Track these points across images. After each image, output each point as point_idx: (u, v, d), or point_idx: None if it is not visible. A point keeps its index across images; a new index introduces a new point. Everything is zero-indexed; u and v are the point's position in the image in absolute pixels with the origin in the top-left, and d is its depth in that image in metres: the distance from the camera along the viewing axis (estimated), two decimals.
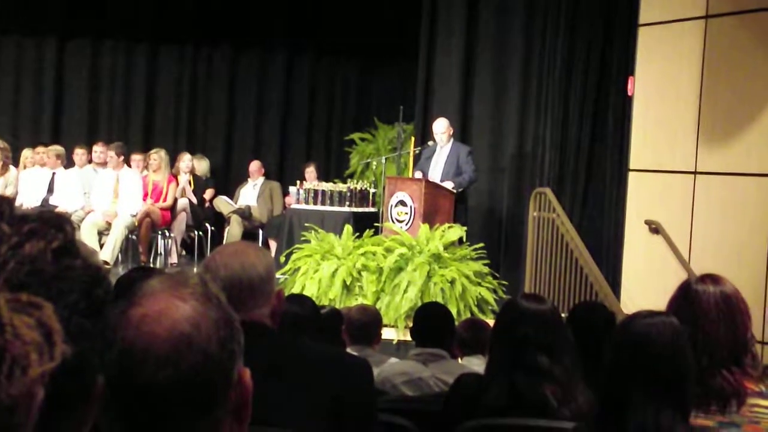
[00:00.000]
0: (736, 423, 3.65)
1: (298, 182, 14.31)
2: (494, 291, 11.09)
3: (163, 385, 1.56)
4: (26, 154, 15.02)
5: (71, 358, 1.41)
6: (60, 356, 1.37)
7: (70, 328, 1.57)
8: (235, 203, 15.75)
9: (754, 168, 10.02)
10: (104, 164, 14.34)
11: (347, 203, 13.36)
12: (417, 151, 13.12)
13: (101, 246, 13.18)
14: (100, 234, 13.49)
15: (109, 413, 1.61)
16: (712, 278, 3.84)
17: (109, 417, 1.61)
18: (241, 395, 1.66)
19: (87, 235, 12.96)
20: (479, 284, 11.01)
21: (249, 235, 15.15)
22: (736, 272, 8.06)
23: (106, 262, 12.58)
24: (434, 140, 12.48)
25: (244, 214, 15.31)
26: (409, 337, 7.38)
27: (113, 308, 1.63)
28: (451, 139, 12.41)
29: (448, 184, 11.94)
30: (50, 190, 14.28)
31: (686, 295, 3.82)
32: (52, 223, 1.68)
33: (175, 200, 14.35)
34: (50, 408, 1.38)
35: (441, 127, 12.37)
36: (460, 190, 12.04)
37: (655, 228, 11.04)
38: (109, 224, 13.39)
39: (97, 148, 14.73)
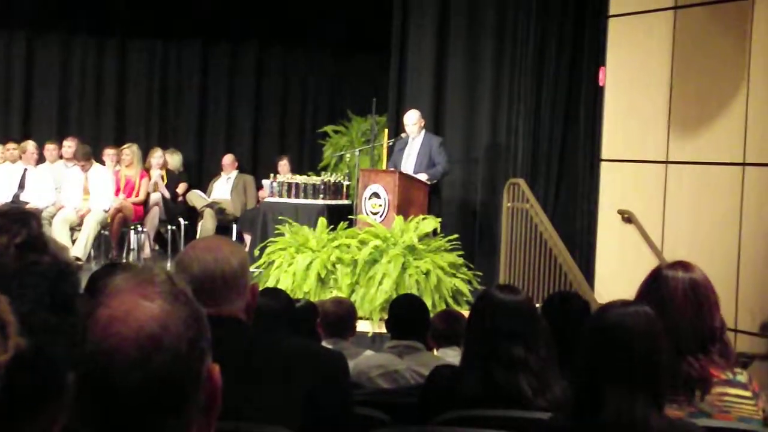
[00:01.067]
0: (706, 412, 3.67)
1: (271, 175, 14.29)
2: (469, 282, 11.11)
3: (133, 387, 1.55)
4: None
5: (32, 353, 1.40)
6: (13, 349, 1.36)
7: (33, 322, 1.56)
8: (209, 197, 15.72)
9: (726, 157, 10.06)
10: (74, 159, 14.31)
11: (321, 196, 13.34)
12: (390, 143, 13.12)
13: (73, 242, 13.13)
14: (72, 230, 13.43)
15: (79, 414, 1.60)
16: (683, 265, 3.87)
17: (79, 417, 1.60)
18: (210, 392, 1.65)
19: (59, 231, 12.90)
20: (454, 275, 11.02)
21: (223, 229, 15.14)
22: (708, 260, 8.09)
23: (78, 258, 12.55)
24: (406, 132, 12.48)
25: (215, 207, 15.29)
26: (384, 330, 7.38)
27: (82, 308, 1.61)
28: (423, 131, 12.41)
29: (422, 176, 11.95)
30: (21, 186, 14.21)
31: (655, 280, 3.85)
32: (17, 219, 1.67)
33: (148, 195, 14.32)
34: (14, 403, 1.37)
35: (412, 118, 12.37)
36: (433, 181, 12.05)
37: (627, 217, 11.07)
38: (81, 220, 13.34)
39: (67, 143, 14.68)
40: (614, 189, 11.46)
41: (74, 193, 13.68)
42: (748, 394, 3.76)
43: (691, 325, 3.75)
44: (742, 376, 3.79)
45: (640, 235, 10.86)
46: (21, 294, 1.58)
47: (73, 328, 1.60)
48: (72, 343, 1.59)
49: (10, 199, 13.79)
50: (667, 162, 10.71)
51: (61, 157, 14.69)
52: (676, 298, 3.77)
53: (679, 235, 10.54)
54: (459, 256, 11.35)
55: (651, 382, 3.11)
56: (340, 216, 12.48)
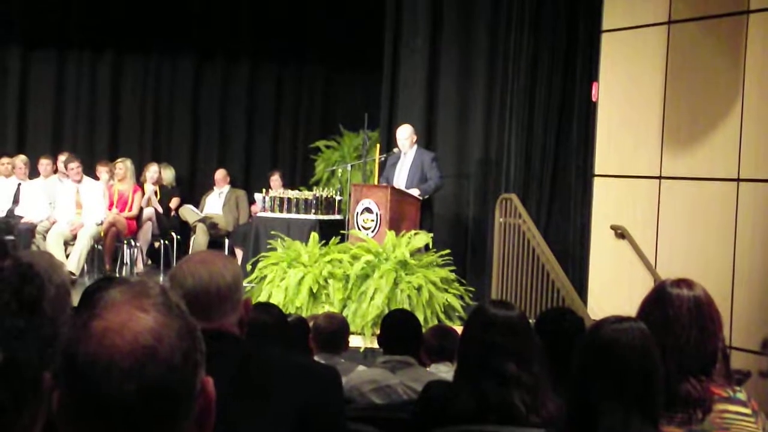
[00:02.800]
0: (706, 430, 3.64)
1: (263, 190, 14.28)
2: (461, 297, 11.09)
3: (127, 398, 1.54)
4: None
5: (6, 364, 1.39)
6: None
7: (2, 330, 1.55)
8: (201, 212, 15.71)
9: (719, 172, 10.06)
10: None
11: (313, 211, 13.31)
12: (382, 158, 13.10)
13: (67, 256, 13.10)
14: (66, 244, 13.42)
15: (73, 425, 1.58)
16: (687, 283, 3.82)
17: (73, 429, 1.59)
18: (204, 405, 1.64)
19: (53, 246, 12.87)
20: (446, 291, 11.00)
21: (215, 243, 15.12)
22: (702, 276, 8.08)
23: (72, 273, 12.54)
24: (398, 147, 12.46)
25: (207, 222, 15.28)
26: (376, 345, 7.37)
27: (74, 320, 1.60)
28: (415, 146, 12.40)
29: (414, 191, 11.93)
30: (15, 200, 14.20)
31: (660, 298, 3.80)
32: None
33: (141, 209, 14.31)
34: None
35: (404, 133, 12.36)
36: (425, 196, 12.04)
37: (621, 233, 11.07)
38: (75, 235, 13.31)
39: (62, 158, 14.66)
40: (607, 204, 11.46)
41: (67, 209, 13.64)
42: (748, 411, 3.72)
43: (695, 345, 3.70)
44: (742, 394, 3.76)
45: (633, 250, 10.86)
46: None
47: (41, 328, 1.59)
48: (42, 343, 1.58)
49: (4, 214, 13.81)
50: (660, 177, 10.72)
51: (55, 171, 14.67)
52: (681, 317, 3.72)
53: (672, 251, 10.53)
54: (451, 271, 11.32)
55: (645, 399, 3.10)
56: (332, 231, 12.44)
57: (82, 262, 13.17)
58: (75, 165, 13.84)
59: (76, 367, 1.55)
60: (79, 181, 13.82)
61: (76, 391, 1.56)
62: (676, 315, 3.72)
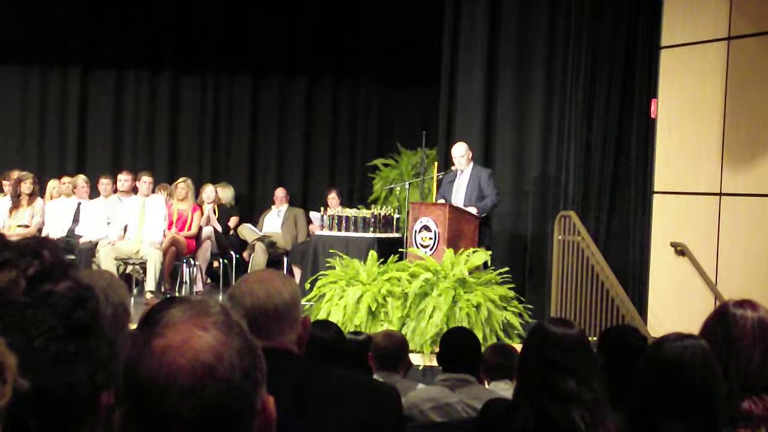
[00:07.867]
0: None
1: (321, 208, 14.30)
2: (520, 315, 11.04)
3: (187, 416, 1.54)
4: (52, 184, 15.09)
5: (44, 386, 1.41)
6: (10, 393, 1.37)
7: (47, 355, 1.56)
8: (260, 231, 15.77)
9: None
10: (129, 192, 14.42)
11: (371, 229, 13.32)
12: (440, 177, 13.09)
13: (120, 274, 13.16)
14: (124, 262, 13.52)
15: None
16: (751, 304, 3.80)
17: None
18: (264, 424, 1.65)
19: (106, 265, 12.90)
20: (505, 309, 10.96)
21: (273, 262, 15.15)
22: (762, 293, 8.01)
23: (152, 292, 12.70)
24: (455, 165, 12.44)
25: (266, 241, 15.33)
26: (435, 363, 7.35)
27: (135, 338, 1.62)
28: (471, 163, 12.37)
29: (472, 209, 11.90)
30: (76, 220, 14.30)
31: (723, 318, 3.77)
32: (29, 251, 1.67)
33: (200, 229, 14.37)
34: None
35: (459, 151, 12.33)
36: (483, 215, 12.00)
37: (680, 250, 10.99)
38: (127, 253, 13.42)
39: (122, 177, 14.74)
40: (667, 221, 11.39)
41: (134, 223, 13.72)
42: None
43: (758, 365, 3.68)
44: None
45: (694, 267, 10.78)
46: (35, 327, 1.58)
47: (94, 350, 1.61)
48: (96, 365, 1.60)
49: (65, 233, 13.93)
50: (720, 194, 10.64)
51: (115, 191, 14.78)
52: (744, 338, 3.69)
53: (732, 268, 10.45)
54: (509, 289, 11.28)
55: (707, 416, 3.07)
56: (391, 249, 12.43)
57: (157, 279, 13.20)
58: (148, 179, 14.07)
59: (137, 385, 1.56)
60: (147, 195, 13.99)
61: (137, 408, 1.57)
62: (739, 335, 3.69)
